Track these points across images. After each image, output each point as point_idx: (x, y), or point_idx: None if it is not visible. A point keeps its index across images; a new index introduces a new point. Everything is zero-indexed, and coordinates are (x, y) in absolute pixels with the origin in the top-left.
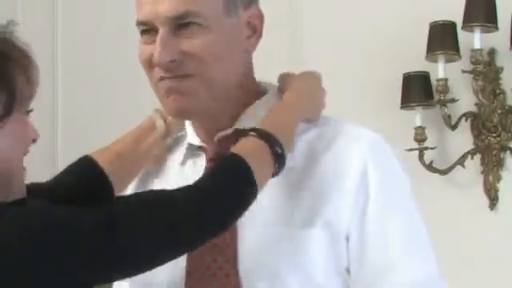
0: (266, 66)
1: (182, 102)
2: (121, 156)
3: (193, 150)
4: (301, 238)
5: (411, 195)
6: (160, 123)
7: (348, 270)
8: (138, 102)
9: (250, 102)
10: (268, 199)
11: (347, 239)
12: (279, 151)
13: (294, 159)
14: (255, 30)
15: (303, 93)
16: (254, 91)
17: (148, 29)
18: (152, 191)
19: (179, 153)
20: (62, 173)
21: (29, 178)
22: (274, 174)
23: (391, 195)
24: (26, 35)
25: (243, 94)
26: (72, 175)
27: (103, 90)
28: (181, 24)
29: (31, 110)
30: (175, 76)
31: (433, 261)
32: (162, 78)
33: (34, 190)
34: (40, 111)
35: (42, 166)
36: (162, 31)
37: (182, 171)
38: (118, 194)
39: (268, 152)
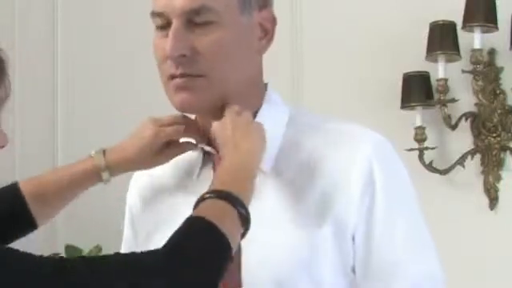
0: (267, 66)
1: (190, 99)
2: (52, 198)
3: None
4: (308, 239)
5: (415, 195)
6: (105, 174)
7: (354, 270)
8: (138, 102)
9: (258, 104)
10: (274, 200)
11: (353, 239)
12: (244, 213)
13: (299, 160)
14: (267, 33)
15: (243, 149)
16: (262, 94)
17: (162, 24)
18: (119, 254)
19: (195, 160)
20: None
21: (29, 177)
22: (242, 236)
23: (396, 196)
24: (26, 35)
25: (252, 96)
26: None
27: (103, 90)
28: (195, 20)
29: None
30: (185, 75)
31: (436, 261)
32: (172, 77)
33: None
34: (40, 111)
35: (42, 165)
36: (175, 24)
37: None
38: (40, 223)
39: (234, 213)
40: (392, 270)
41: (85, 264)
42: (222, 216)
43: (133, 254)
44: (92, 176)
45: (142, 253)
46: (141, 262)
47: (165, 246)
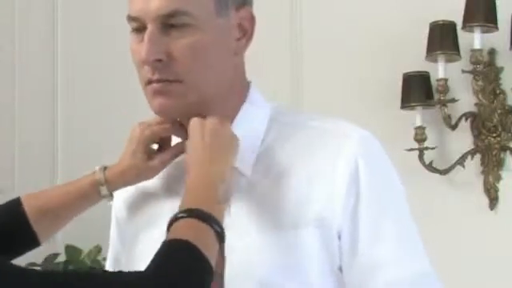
0: (267, 66)
1: (167, 103)
2: (55, 212)
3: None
4: (291, 241)
5: (401, 191)
6: (103, 189)
7: (341, 269)
8: (138, 102)
9: (239, 104)
10: (254, 205)
11: (339, 238)
12: (219, 231)
13: (278, 158)
14: (245, 32)
15: (216, 163)
16: (244, 94)
17: (138, 27)
18: (107, 272)
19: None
20: None
21: (29, 177)
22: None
23: (383, 195)
24: (26, 35)
25: (232, 97)
26: None
27: (103, 90)
28: (171, 23)
29: None
30: (161, 80)
31: (425, 259)
32: (149, 82)
33: None
34: (40, 111)
35: (42, 165)
36: (150, 28)
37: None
38: (43, 240)
39: (211, 233)
40: (379, 268)
41: (73, 273)
42: (202, 237)
43: (120, 272)
44: (93, 191)
45: (128, 272)
46: (129, 281)
47: (148, 267)
